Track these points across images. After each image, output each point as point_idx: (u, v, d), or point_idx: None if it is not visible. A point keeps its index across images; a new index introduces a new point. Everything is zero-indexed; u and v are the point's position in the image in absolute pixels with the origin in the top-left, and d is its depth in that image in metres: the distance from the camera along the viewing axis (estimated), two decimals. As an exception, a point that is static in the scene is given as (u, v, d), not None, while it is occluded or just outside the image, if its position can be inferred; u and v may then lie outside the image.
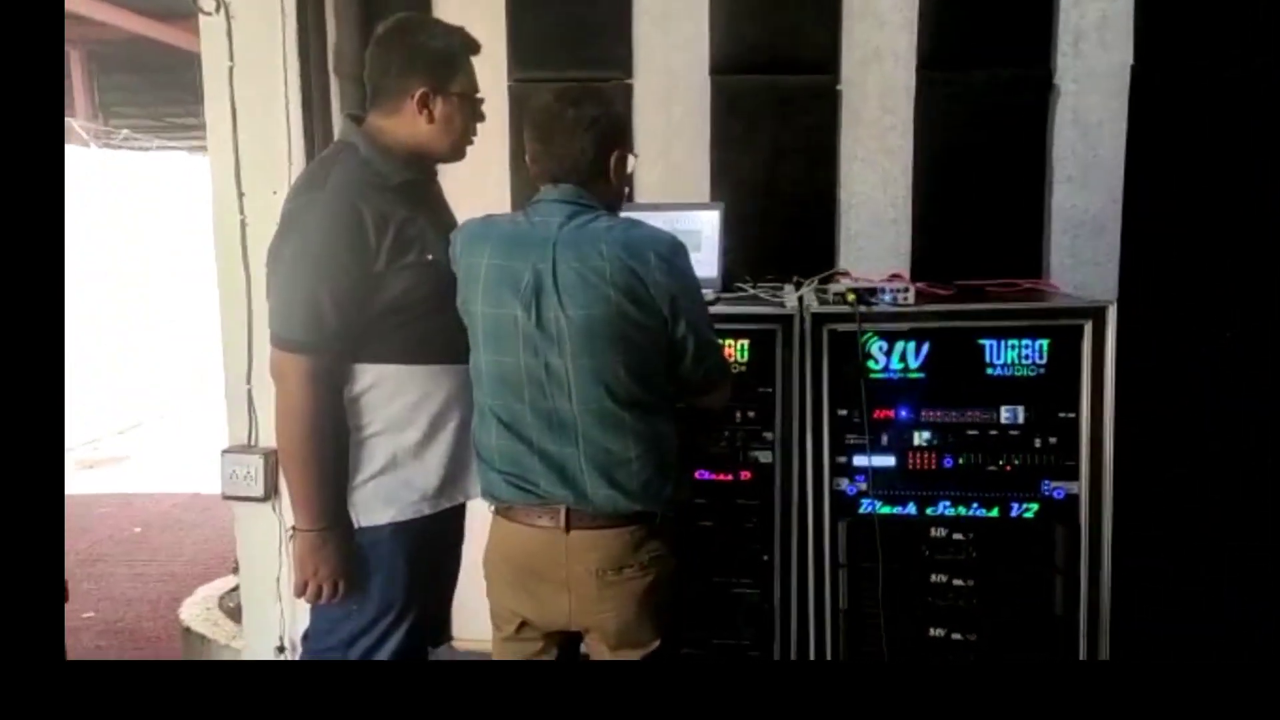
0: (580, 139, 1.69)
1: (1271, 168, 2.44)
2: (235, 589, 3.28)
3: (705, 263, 2.38)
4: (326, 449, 1.75)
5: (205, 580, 3.88)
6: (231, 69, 2.80)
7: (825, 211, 3.01)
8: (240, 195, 2.85)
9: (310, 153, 2.74)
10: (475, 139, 1.91)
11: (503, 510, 1.78)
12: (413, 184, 1.82)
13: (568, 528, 1.71)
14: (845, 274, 2.39)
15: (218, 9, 2.75)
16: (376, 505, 1.81)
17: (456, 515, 1.95)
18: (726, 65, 2.98)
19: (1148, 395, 2.82)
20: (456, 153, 1.89)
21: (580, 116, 1.70)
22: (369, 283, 1.74)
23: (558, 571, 1.72)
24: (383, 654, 1.81)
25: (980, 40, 2.89)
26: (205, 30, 2.80)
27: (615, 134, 1.76)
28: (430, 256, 1.78)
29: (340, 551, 1.77)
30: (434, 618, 2.03)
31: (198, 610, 3.49)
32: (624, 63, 3.04)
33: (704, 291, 2.28)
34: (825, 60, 2.95)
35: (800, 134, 2.98)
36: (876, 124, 2.98)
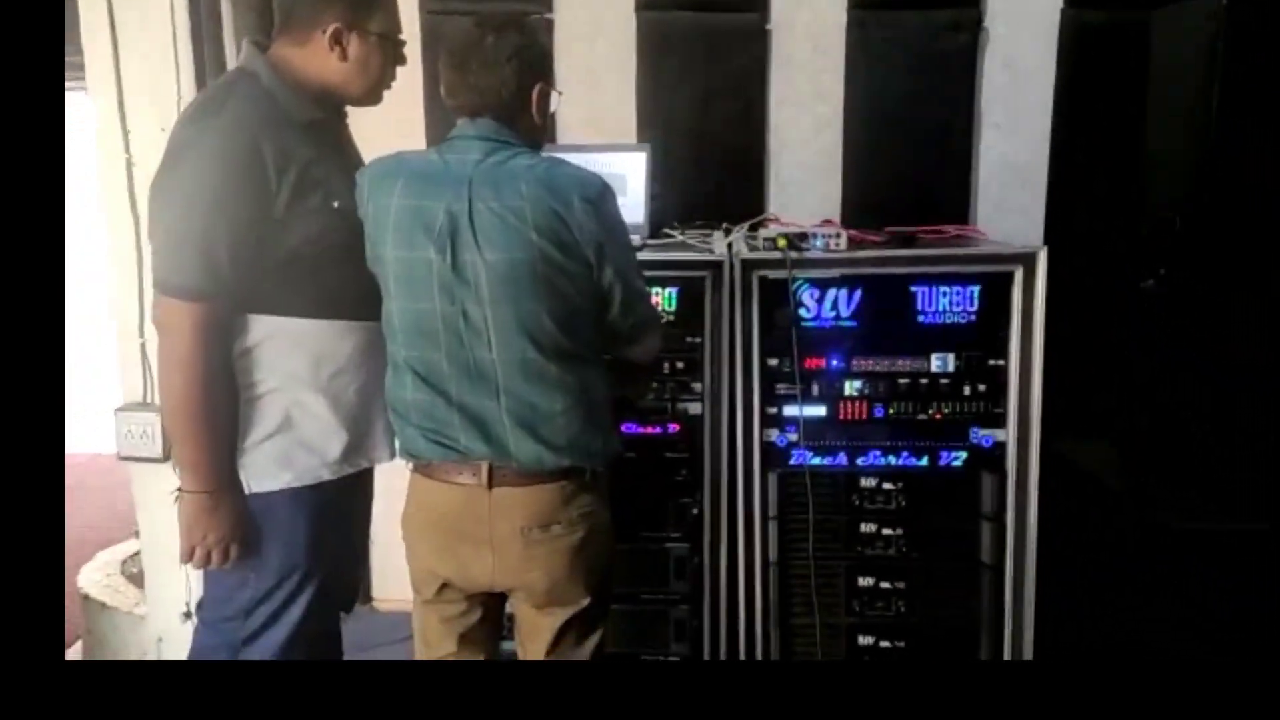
0: (501, 70, 1.57)
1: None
2: (137, 554, 3.11)
3: (631, 207, 2.28)
4: (216, 405, 1.61)
5: (107, 545, 3.67)
6: (111, -7, 2.56)
7: (755, 156, 2.94)
8: (125, 132, 2.61)
9: (201, 85, 2.52)
10: (393, 83, 1.77)
11: (421, 468, 1.68)
12: (320, 123, 1.68)
13: (490, 485, 1.61)
14: (775, 219, 2.31)
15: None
16: (270, 468, 1.67)
17: (364, 479, 1.84)
18: (653, 0, 2.86)
19: (1071, 344, 2.89)
20: (371, 96, 1.74)
21: (501, 45, 1.57)
22: (267, 227, 1.59)
23: (480, 530, 1.63)
24: (284, 623, 1.69)
25: (913, -20, 2.82)
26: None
27: (539, 66, 1.63)
28: (336, 203, 1.64)
29: (232, 514, 1.64)
30: (343, 584, 1.92)
31: (98, 576, 3.30)
32: (544, -5, 2.89)
33: (631, 237, 2.22)
34: (755, -1, 2.86)
35: (730, 75, 2.89)
36: (808, 65, 2.90)
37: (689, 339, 2.11)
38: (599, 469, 1.68)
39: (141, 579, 2.95)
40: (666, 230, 2.31)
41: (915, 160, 2.88)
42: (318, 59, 1.66)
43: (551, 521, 1.63)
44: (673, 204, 2.75)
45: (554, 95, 1.69)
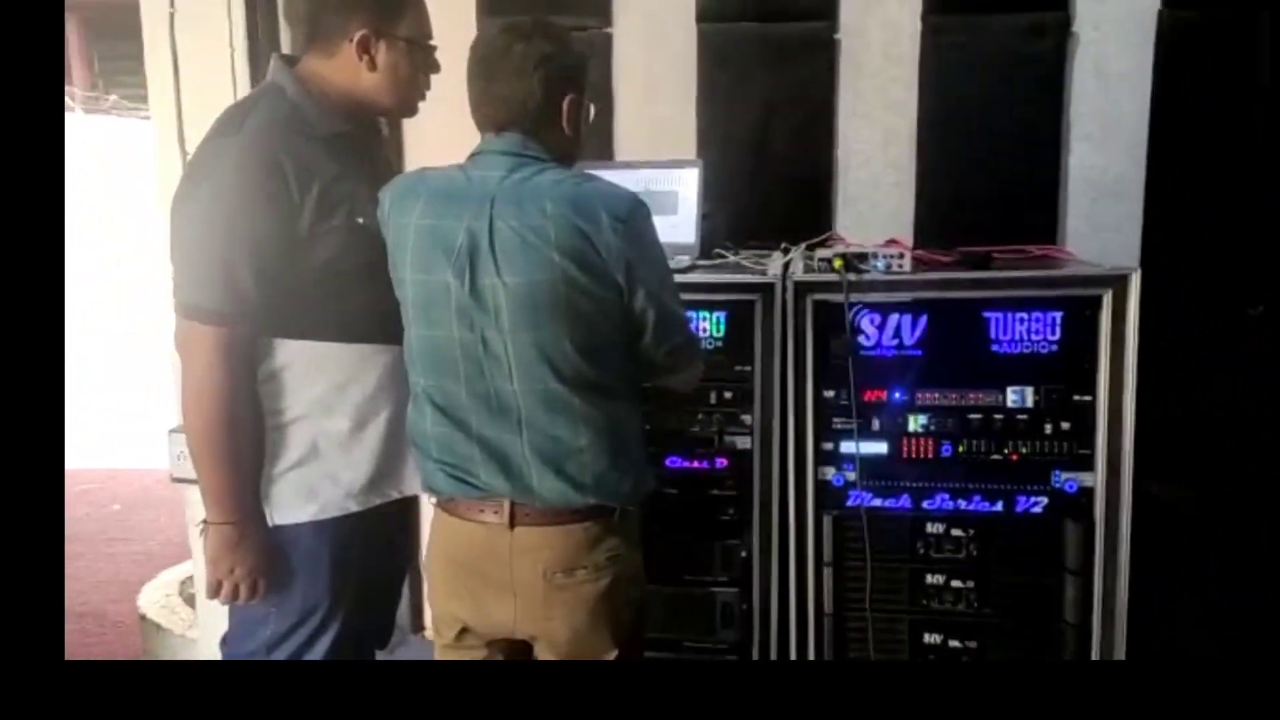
0: (528, 80, 1.47)
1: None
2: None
3: (682, 226, 2.16)
4: (242, 433, 1.56)
5: (179, 562, 3.69)
6: (172, 15, 2.57)
7: (821, 172, 2.77)
8: (184, 154, 2.61)
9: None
10: (428, 91, 1.69)
11: (443, 504, 1.59)
12: (345, 137, 1.61)
13: (512, 524, 1.51)
14: (838, 239, 2.15)
15: (155, -52, 2.51)
16: (295, 500, 1.61)
17: (402, 509, 1.76)
18: (714, 12, 2.74)
19: (1168, 376, 2.63)
20: (404, 107, 1.67)
21: (529, 53, 1.47)
22: (291, 245, 1.53)
23: (501, 573, 1.52)
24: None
25: (993, -18, 2.62)
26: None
27: (570, 75, 1.52)
28: (361, 220, 1.57)
29: (258, 546, 1.59)
30: (375, 621, 1.84)
31: (157, 596, 3.32)
32: (603, 8, 2.79)
33: (680, 258, 2.08)
34: (822, 6, 2.70)
35: (794, 87, 2.74)
36: (878, 76, 2.73)
37: (738, 367, 1.96)
38: (628, 509, 1.55)
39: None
40: (719, 250, 2.16)
41: (996, 176, 2.67)
42: (347, 69, 1.60)
43: (576, 566, 1.51)
44: (732, 224, 2.62)
45: (589, 106, 1.58)
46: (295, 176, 1.51)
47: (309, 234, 1.53)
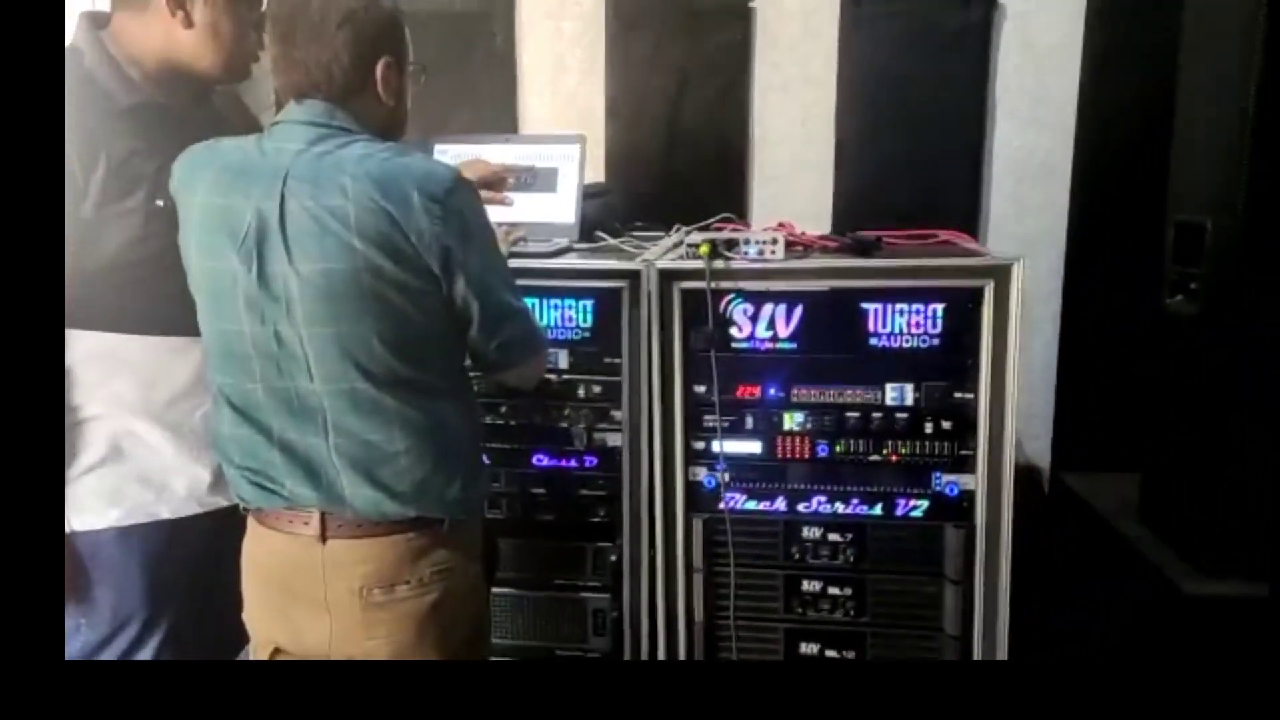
0: (332, 40, 1.30)
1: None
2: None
3: (561, 207, 2.01)
4: None
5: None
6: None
7: (735, 149, 2.65)
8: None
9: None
10: (261, 55, 1.53)
11: (253, 512, 1.45)
12: (151, 108, 1.46)
13: (324, 536, 1.37)
14: (734, 222, 2.01)
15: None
16: (94, 504, 1.49)
17: (233, 516, 1.63)
18: (624, -24, 2.59)
19: (1089, 367, 2.52)
20: (233, 71, 1.53)
21: (330, 7, 1.30)
22: (73, 231, 1.38)
23: (314, 589, 1.38)
24: None
25: (915, -50, 2.48)
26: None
27: (383, 34, 1.35)
28: (162, 202, 1.43)
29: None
30: (223, 628, 1.71)
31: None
32: (508, -27, 2.64)
33: (556, 240, 1.95)
34: (738, -28, 2.56)
35: (709, 57, 2.61)
36: (798, 48, 2.61)
37: (608, 359, 1.82)
38: (461, 517, 1.42)
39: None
40: (599, 233, 2.02)
41: (918, 154, 2.56)
42: (158, 28, 1.45)
43: (396, 581, 1.37)
44: (639, 202, 2.49)
45: (412, 70, 1.42)
46: (78, 155, 1.38)
47: (96, 217, 1.40)
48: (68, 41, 1.50)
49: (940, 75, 2.53)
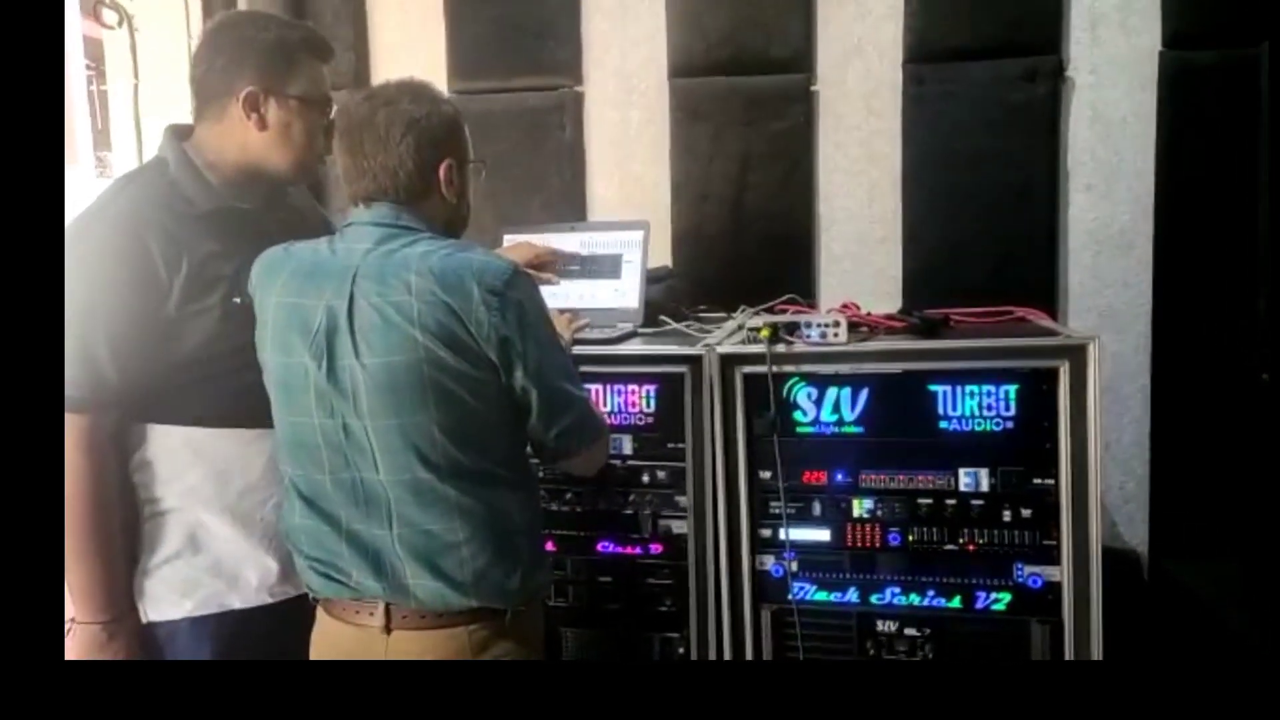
0: (396, 149, 1.37)
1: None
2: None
3: (625, 292, 2.03)
4: (109, 525, 1.47)
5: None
6: (136, 86, 2.58)
7: (801, 229, 2.65)
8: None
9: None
10: (329, 156, 1.60)
11: (321, 602, 1.47)
12: (229, 212, 1.53)
13: (388, 628, 1.38)
14: (798, 304, 1.99)
15: (120, 23, 2.52)
16: (171, 595, 1.51)
17: (301, 608, 1.60)
18: (685, 67, 2.65)
19: (1181, 442, 2.38)
20: (301, 170, 1.59)
21: (394, 118, 1.38)
22: (157, 329, 1.45)
23: None
24: None
25: (977, 27, 2.48)
26: (109, 45, 2.59)
27: (443, 138, 1.42)
28: (239, 300, 1.49)
29: (130, 648, 1.49)
30: None
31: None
32: (573, 66, 2.73)
33: (622, 325, 1.96)
34: (799, 57, 2.61)
35: (772, 141, 2.64)
36: (860, 128, 2.61)
37: (670, 445, 1.81)
38: (522, 608, 1.41)
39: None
40: (663, 317, 2.03)
41: (989, 230, 2.51)
42: (236, 132, 1.52)
43: None
44: (704, 285, 2.50)
45: (472, 168, 1.48)
46: (162, 256, 1.44)
47: (178, 315, 1.45)
48: (157, 153, 1.59)
49: (1008, 149, 2.50)
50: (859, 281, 2.61)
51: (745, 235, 2.66)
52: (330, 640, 1.45)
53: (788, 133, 2.63)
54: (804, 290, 2.47)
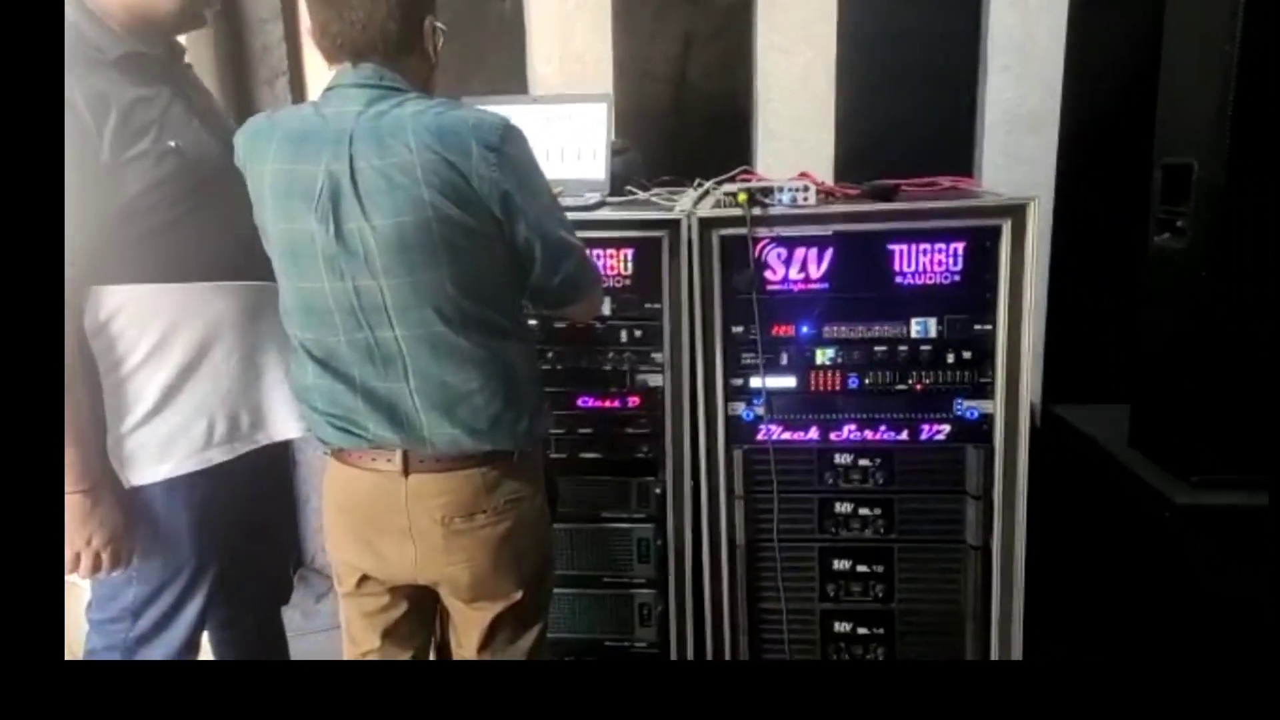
0: (385, 3, 1.37)
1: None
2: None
3: (591, 163, 2.12)
4: (73, 394, 1.43)
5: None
6: None
7: (741, 107, 2.76)
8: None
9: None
10: (215, 8, 1.57)
11: (335, 452, 1.54)
12: (140, 58, 1.47)
13: (406, 471, 1.47)
14: (751, 174, 2.13)
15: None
16: (148, 458, 1.51)
17: (269, 456, 1.67)
18: (629, -59, 2.67)
19: (1078, 308, 2.68)
20: (186, 15, 1.52)
21: None
22: (95, 180, 1.39)
23: (398, 520, 1.48)
24: (180, 624, 1.57)
25: (910, -91, 2.59)
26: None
27: None
28: (174, 143, 1.45)
29: (115, 512, 1.48)
30: (261, 575, 1.79)
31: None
32: (515, -61, 2.71)
33: (589, 195, 2.05)
34: (739, -65, 2.65)
35: (714, 19, 2.70)
36: (798, 9, 2.70)
37: (648, 305, 1.94)
38: (527, 450, 1.53)
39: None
40: (630, 188, 2.13)
41: (915, 108, 2.69)
42: None
43: (475, 510, 1.48)
44: (649, 159, 2.59)
45: (439, 29, 1.48)
46: (88, 105, 1.38)
47: (113, 163, 1.40)
48: None
49: (935, 32, 2.66)
50: (794, 158, 2.74)
51: (687, 113, 2.76)
52: (347, 486, 1.52)
53: (729, 11, 2.71)
54: (743, 165, 2.60)
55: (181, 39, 1.61)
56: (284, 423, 1.62)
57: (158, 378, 1.50)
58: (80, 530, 1.45)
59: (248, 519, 1.67)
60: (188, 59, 1.65)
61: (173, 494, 1.53)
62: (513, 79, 2.77)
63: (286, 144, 1.39)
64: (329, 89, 1.42)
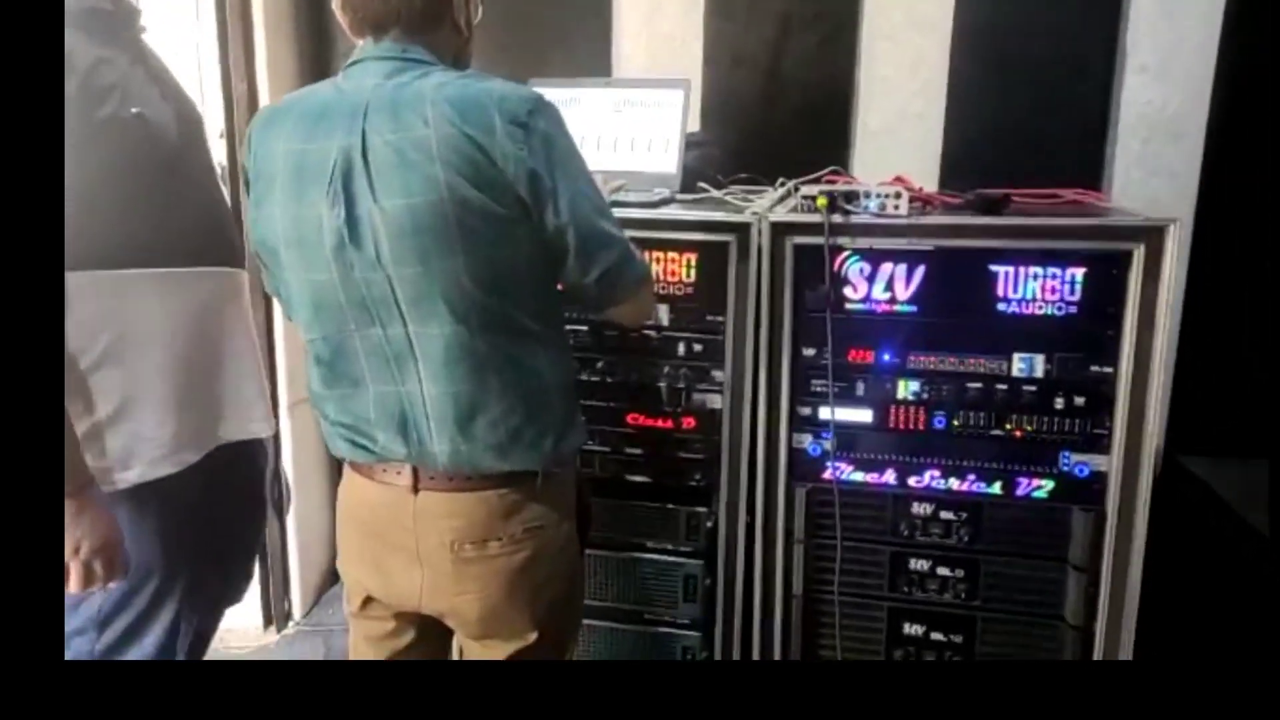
0: None
1: None
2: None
3: (663, 156, 1.91)
4: None
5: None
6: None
7: (839, 99, 2.51)
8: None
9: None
10: None
11: (348, 461, 1.40)
12: (99, 15, 1.36)
13: (415, 488, 1.31)
14: (841, 175, 1.88)
15: None
16: (113, 464, 1.39)
17: (234, 455, 1.54)
18: (725, -85, 2.45)
19: (1212, 347, 2.34)
20: None
21: None
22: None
23: (406, 540, 1.33)
24: (151, 633, 1.46)
25: (1042, -114, 2.30)
26: None
27: None
28: (136, 109, 1.34)
29: (104, 515, 1.34)
30: (229, 578, 1.66)
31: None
32: (600, -89, 2.52)
33: (657, 190, 1.85)
34: (847, -90, 2.41)
35: (812, 3, 2.46)
36: (910, -9, 2.44)
37: (710, 317, 1.73)
38: (552, 471, 1.35)
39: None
40: (702, 185, 1.92)
41: (1036, 108, 2.41)
42: None
43: (488, 536, 1.31)
44: (734, 153, 2.37)
45: (474, 2, 1.35)
46: None
47: (76, 127, 1.27)
48: None
49: (1064, 22, 2.37)
50: (895, 158, 2.48)
51: (778, 104, 2.53)
52: (358, 498, 1.39)
53: (831, -7, 2.47)
54: (838, 164, 2.36)
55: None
56: (250, 419, 1.52)
57: (117, 375, 1.38)
58: (67, 538, 1.32)
59: (212, 518, 1.54)
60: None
61: (135, 499, 1.41)
62: (597, 60, 2.59)
63: (302, 122, 1.25)
64: (351, 64, 1.29)
